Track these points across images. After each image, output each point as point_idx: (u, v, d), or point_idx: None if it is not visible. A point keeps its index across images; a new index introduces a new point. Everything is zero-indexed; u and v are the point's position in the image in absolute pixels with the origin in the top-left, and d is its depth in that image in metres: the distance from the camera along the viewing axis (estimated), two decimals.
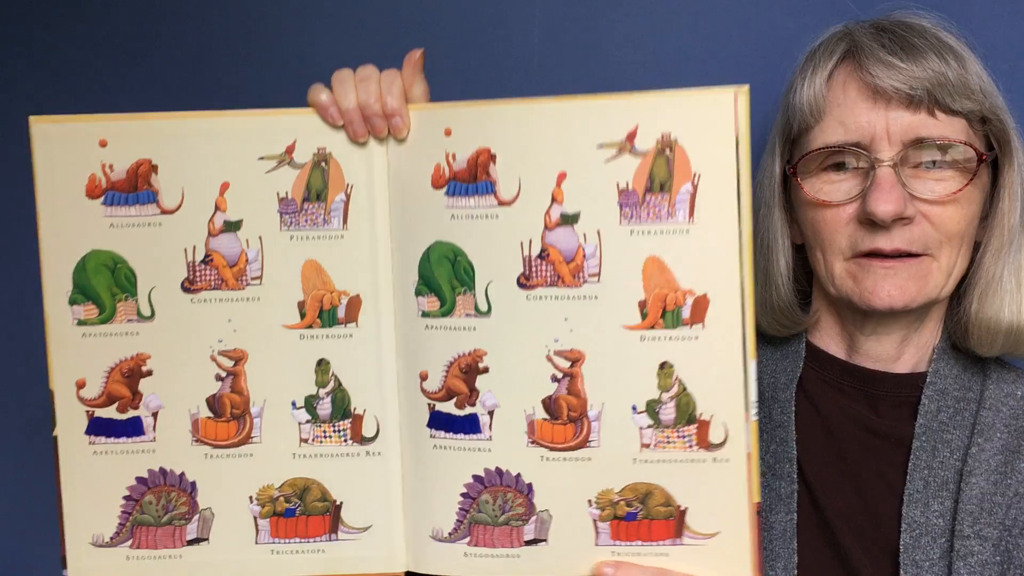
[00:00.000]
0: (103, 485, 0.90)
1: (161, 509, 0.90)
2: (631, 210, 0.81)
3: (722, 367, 0.81)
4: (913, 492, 0.79)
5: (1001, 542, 0.76)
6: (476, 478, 0.86)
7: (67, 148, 0.87)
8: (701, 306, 0.81)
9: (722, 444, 0.81)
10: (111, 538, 0.90)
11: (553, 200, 0.82)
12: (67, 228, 0.88)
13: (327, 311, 0.87)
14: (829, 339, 0.92)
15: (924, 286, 0.79)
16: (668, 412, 0.82)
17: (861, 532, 0.83)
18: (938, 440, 0.80)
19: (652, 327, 0.81)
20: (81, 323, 0.89)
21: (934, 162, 0.77)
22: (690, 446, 0.82)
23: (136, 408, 0.90)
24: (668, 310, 0.81)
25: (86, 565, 0.90)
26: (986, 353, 0.82)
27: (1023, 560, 0.75)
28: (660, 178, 0.80)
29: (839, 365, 0.90)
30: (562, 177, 0.82)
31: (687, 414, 0.82)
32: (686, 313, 0.81)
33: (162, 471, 0.90)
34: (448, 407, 0.86)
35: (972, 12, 0.98)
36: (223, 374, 0.89)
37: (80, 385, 0.89)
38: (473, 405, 0.85)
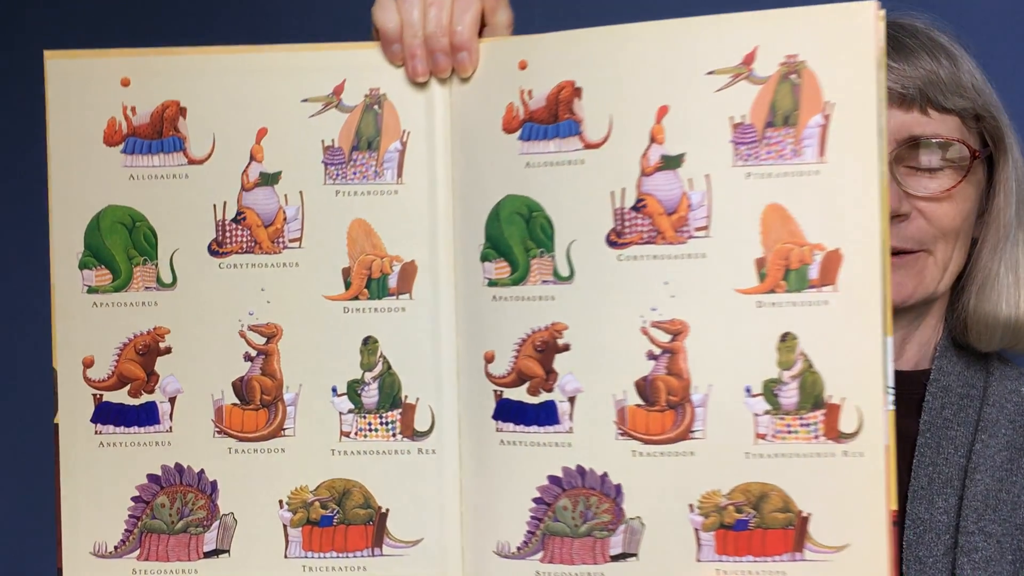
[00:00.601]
0: (109, 483, 0.77)
1: (175, 514, 0.76)
2: (748, 149, 0.68)
3: (857, 339, 0.67)
4: (918, 489, 0.78)
5: (1009, 540, 0.74)
6: (552, 479, 0.71)
7: (84, 87, 0.76)
8: (832, 264, 0.67)
9: (855, 434, 0.67)
10: (115, 547, 0.77)
11: (652, 140, 0.69)
12: (81, 179, 0.77)
13: (376, 280, 0.74)
14: None
15: (921, 282, 0.79)
16: (790, 395, 0.67)
17: None
18: (942, 437, 0.79)
19: (772, 290, 0.67)
20: (92, 290, 0.76)
21: (928, 160, 0.78)
22: (816, 436, 0.67)
23: (151, 392, 0.77)
24: (792, 269, 0.67)
25: None
26: (985, 348, 0.82)
27: None
28: (784, 109, 0.67)
29: None
30: (662, 112, 0.69)
31: (813, 397, 0.67)
32: (814, 273, 0.67)
33: (178, 468, 0.76)
34: (519, 394, 0.72)
35: (969, 12, 0.98)
36: (253, 353, 0.76)
37: (87, 364, 0.77)
38: (550, 391, 0.71)
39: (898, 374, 0.82)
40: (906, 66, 0.78)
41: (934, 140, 0.78)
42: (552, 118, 0.71)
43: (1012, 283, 0.81)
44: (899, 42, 0.79)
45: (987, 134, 0.81)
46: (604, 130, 0.70)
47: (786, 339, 0.69)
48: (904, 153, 0.79)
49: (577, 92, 0.71)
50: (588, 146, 0.71)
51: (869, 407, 0.68)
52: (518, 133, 0.72)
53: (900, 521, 0.80)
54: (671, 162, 0.69)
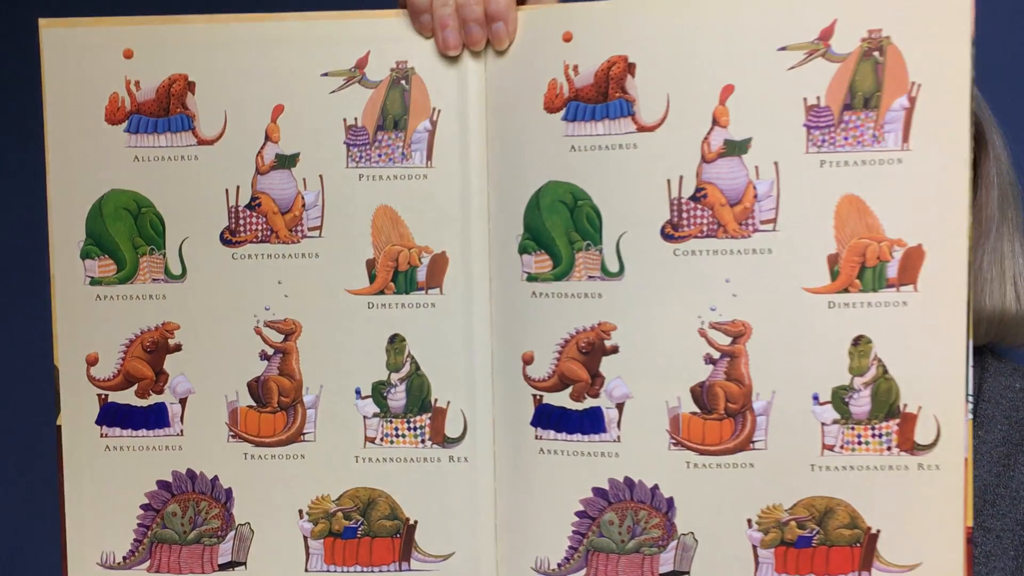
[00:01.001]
0: (116, 490, 0.72)
1: (188, 523, 0.71)
2: (822, 133, 0.61)
3: (938, 343, 0.61)
4: None
5: (1010, 535, 0.74)
6: (598, 492, 0.66)
7: (84, 59, 0.70)
8: (914, 261, 0.60)
9: (931, 446, 0.61)
10: (124, 558, 0.71)
11: (714, 123, 0.62)
12: (81, 161, 0.70)
13: (403, 273, 0.67)
14: None
15: None
16: (862, 403, 0.61)
17: None
18: None
19: (845, 289, 0.61)
20: (95, 282, 0.70)
21: None
22: (888, 448, 0.61)
23: (160, 393, 0.71)
24: (868, 267, 0.61)
25: None
26: (974, 342, 0.80)
27: None
28: (865, 90, 0.60)
29: None
30: (727, 92, 0.62)
31: (887, 406, 0.61)
32: (893, 271, 0.61)
33: (190, 474, 0.70)
34: (561, 399, 0.66)
35: None
36: (270, 351, 0.69)
37: (91, 361, 0.71)
38: (596, 396, 0.65)
39: None
40: None
41: None
42: (601, 97, 0.64)
43: (996, 276, 0.80)
44: None
45: None
46: (660, 111, 0.63)
47: (859, 343, 0.62)
48: None
49: (630, 68, 0.64)
50: (642, 129, 0.64)
51: (948, 417, 0.62)
52: (562, 113, 0.65)
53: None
54: (736, 147, 0.62)
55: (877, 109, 0.61)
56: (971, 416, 0.62)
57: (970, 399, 0.62)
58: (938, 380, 0.62)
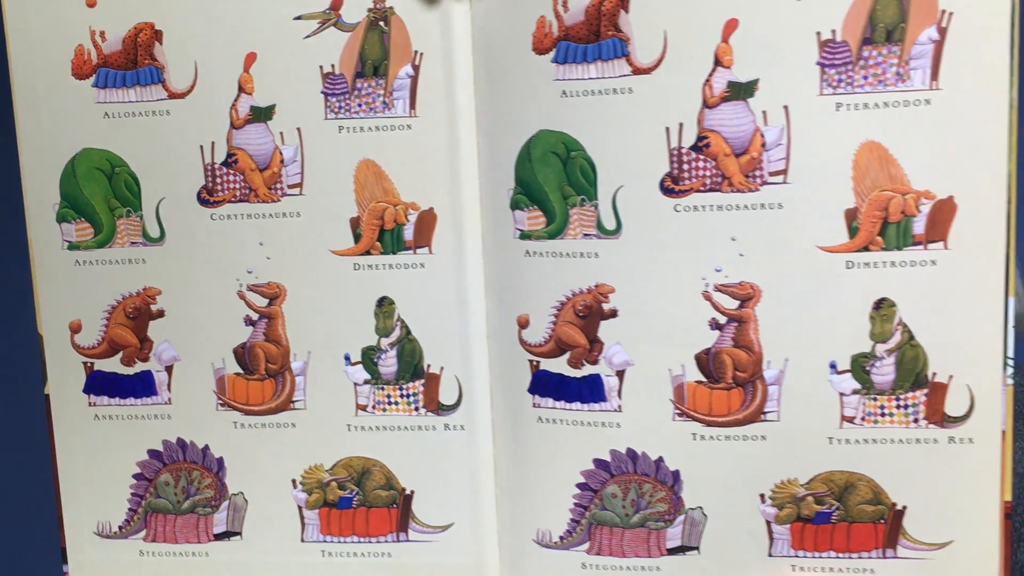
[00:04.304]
0: (108, 459, 0.70)
1: (181, 492, 0.68)
2: (839, 72, 0.54)
3: (971, 306, 0.54)
4: None
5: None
6: (599, 463, 0.61)
7: (47, 10, 0.66)
8: (944, 216, 0.54)
9: (964, 418, 0.55)
10: (120, 527, 0.70)
11: (717, 63, 0.56)
12: (51, 119, 0.67)
13: (390, 231, 0.63)
14: None
15: None
16: (885, 372, 0.56)
17: None
18: None
19: (866, 247, 0.55)
20: (73, 246, 0.67)
21: None
22: (915, 420, 0.56)
23: (145, 360, 0.68)
24: (892, 222, 0.54)
25: (91, 559, 0.71)
26: None
27: None
28: (887, 21, 0.53)
29: None
30: (730, 27, 0.55)
31: (913, 375, 0.56)
32: (919, 227, 0.54)
33: (180, 443, 0.68)
34: (559, 365, 0.61)
35: None
36: (255, 316, 0.66)
37: (75, 329, 0.68)
38: (595, 363, 0.60)
39: None
40: None
41: None
42: (593, 36, 0.58)
43: None
44: None
45: None
46: (657, 51, 0.57)
47: (882, 306, 0.56)
48: None
49: (623, 3, 0.57)
50: (637, 71, 0.57)
51: (983, 386, 0.56)
52: (551, 54, 0.59)
53: None
54: (741, 90, 0.56)
55: (901, 43, 0.53)
56: (1011, 383, 0.56)
57: (1010, 364, 0.56)
58: (972, 347, 0.56)
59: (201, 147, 0.65)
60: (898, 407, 0.58)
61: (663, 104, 0.57)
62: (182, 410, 0.68)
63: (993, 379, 0.56)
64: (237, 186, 0.65)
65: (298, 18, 0.63)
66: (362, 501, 0.67)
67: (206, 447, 0.69)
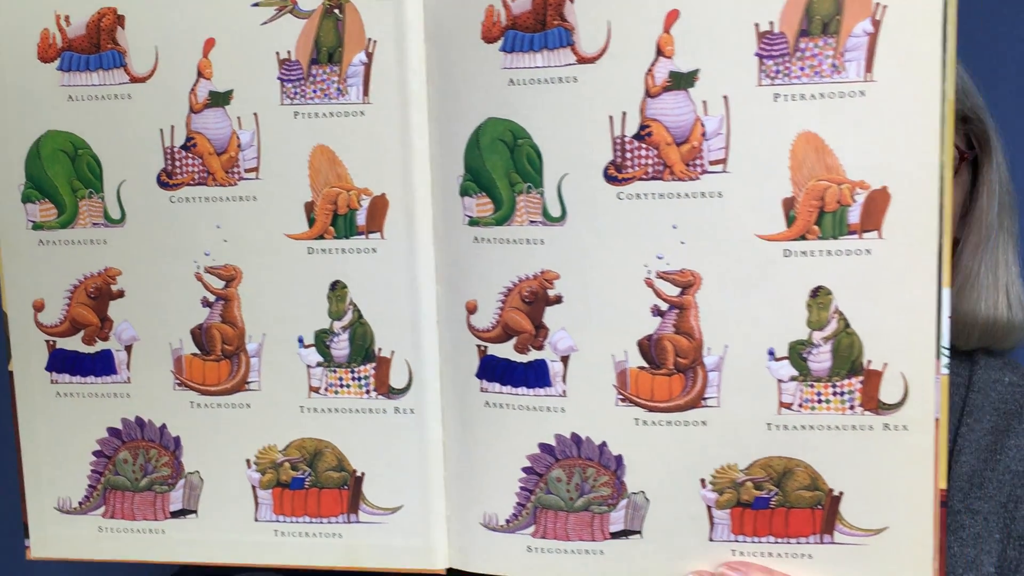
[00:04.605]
0: (69, 436, 0.71)
1: (139, 470, 0.70)
2: (776, 63, 0.55)
3: (905, 295, 0.55)
4: None
5: (996, 518, 0.75)
6: (544, 448, 0.62)
7: None
8: (878, 205, 0.55)
9: (898, 405, 0.56)
10: (80, 503, 0.71)
11: (659, 53, 0.56)
12: (17, 101, 0.69)
13: (343, 216, 0.64)
14: None
15: None
16: (821, 359, 0.57)
17: None
18: None
19: (802, 236, 0.56)
20: (37, 227, 0.68)
21: None
22: (851, 407, 0.57)
23: (105, 339, 0.69)
24: (828, 211, 0.55)
25: (52, 534, 0.72)
26: (963, 346, 0.83)
27: (1020, 532, 0.74)
28: (823, 14, 0.54)
29: None
30: (672, 17, 0.56)
31: (849, 362, 0.56)
32: (854, 216, 0.55)
33: (139, 422, 0.69)
34: (505, 351, 0.62)
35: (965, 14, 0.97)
36: (211, 298, 0.67)
37: (38, 307, 0.69)
38: (540, 348, 0.61)
39: None
40: None
41: None
42: (539, 25, 0.59)
43: (991, 284, 0.81)
44: None
45: (973, 136, 0.81)
46: (601, 40, 0.58)
47: (818, 294, 0.57)
48: None
49: None
50: (582, 60, 0.58)
51: (917, 374, 0.57)
52: (499, 43, 0.60)
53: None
54: (682, 80, 0.57)
55: (837, 35, 0.54)
56: (947, 371, 0.57)
57: (945, 354, 0.56)
58: (905, 335, 0.56)
59: (161, 131, 0.67)
60: (834, 394, 0.58)
61: (607, 93, 0.58)
62: (141, 389, 0.70)
63: (926, 367, 0.56)
64: (196, 169, 0.66)
65: (256, 4, 0.64)
66: (314, 482, 0.68)
67: (164, 426, 0.70)
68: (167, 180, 0.67)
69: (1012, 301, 0.82)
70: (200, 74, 0.65)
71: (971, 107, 0.79)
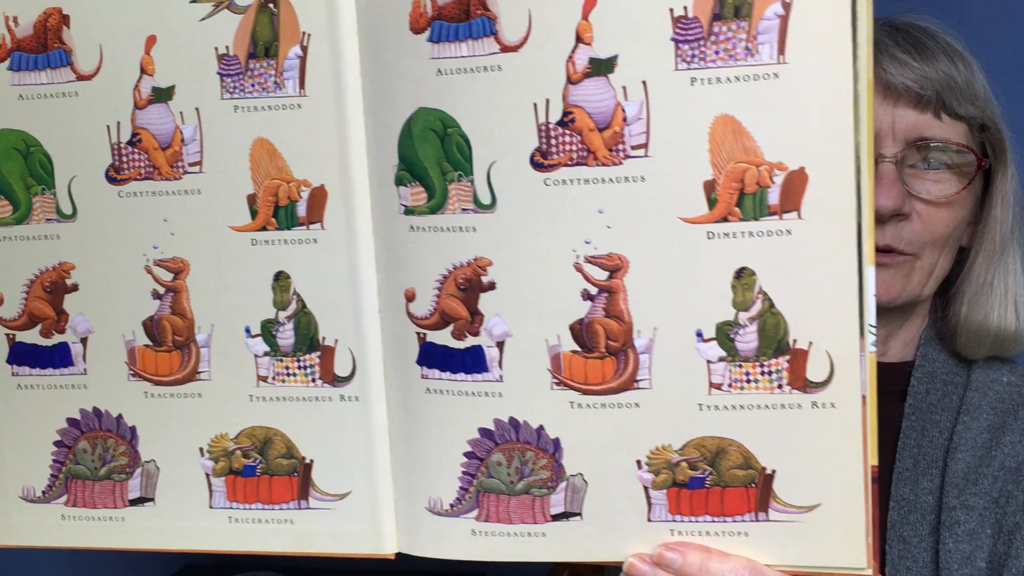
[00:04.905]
0: (30, 427, 0.73)
1: (98, 459, 0.71)
2: (692, 48, 0.55)
3: (827, 274, 0.56)
4: (902, 470, 0.79)
5: (990, 513, 0.76)
6: (484, 432, 0.63)
7: None
8: (796, 186, 0.55)
9: (825, 383, 0.57)
10: (43, 492, 0.73)
11: (578, 39, 0.57)
12: None
13: (284, 208, 0.65)
14: None
15: (908, 284, 0.79)
16: (748, 339, 0.57)
17: None
18: (927, 421, 0.80)
19: (724, 218, 0.56)
20: None
21: (935, 163, 0.78)
22: (779, 386, 0.57)
23: (62, 332, 0.71)
24: (748, 193, 0.56)
25: (17, 522, 0.74)
26: (973, 355, 0.83)
27: (1009, 527, 0.75)
28: None
29: None
30: (590, 4, 0.56)
31: (775, 341, 0.57)
32: (774, 197, 0.56)
33: (96, 412, 0.71)
34: (443, 337, 0.63)
35: (970, 18, 1.07)
36: (161, 290, 0.68)
37: None
38: (476, 334, 0.62)
39: (882, 366, 0.81)
40: (926, 66, 0.76)
41: (944, 144, 0.77)
42: (463, 15, 0.60)
43: (1003, 294, 0.82)
44: (919, 42, 0.78)
45: (989, 144, 0.81)
46: (523, 29, 0.58)
47: (742, 275, 0.58)
48: (911, 154, 0.77)
49: None
50: (505, 48, 0.59)
51: (842, 352, 0.57)
52: (427, 33, 0.61)
53: (883, 495, 0.78)
54: (601, 66, 0.57)
55: (749, 18, 0.54)
56: (873, 349, 0.57)
57: (871, 330, 0.57)
58: (828, 314, 0.57)
59: (108, 127, 0.68)
60: (762, 373, 0.59)
61: (530, 81, 0.59)
62: (96, 380, 0.71)
63: (850, 345, 0.57)
64: (142, 164, 0.68)
65: (194, 1, 0.65)
66: (265, 469, 0.69)
67: (120, 416, 0.71)
68: (115, 175, 0.68)
69: (1020, 311, 0.82)
70: (143, 71, 0.67)
71: (990, 115, 0.80)
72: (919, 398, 0.82)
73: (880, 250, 0.78)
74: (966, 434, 0.79)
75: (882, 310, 0.81)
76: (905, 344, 0.86)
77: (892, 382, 0.83)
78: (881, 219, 0.77)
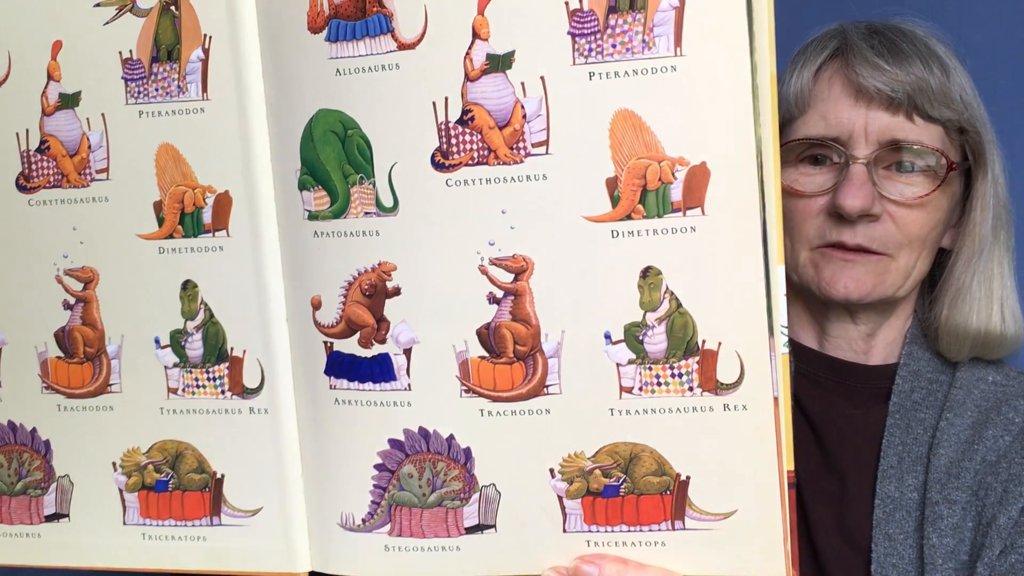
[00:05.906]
0: None
1: (13, 474, 0.70)
2: (588, 41, 0.54)
3: (733, 272, 0.53)
4: (887, 468, 0.79)
5: (971, 507, 0.77)
6: (393, 443, 0.61)
7: None
8: (699, 181, 0.53)
9: (736, 384, 0.55)
10: None
11: (475, 35, 0.55)
12: None
13: (190, 215, 0.63)
14: (799, 328, 0.88)
15: (880, 283, 0.80)
16: (657, 340, 0.55)
17: (842, 516, 0.80)
18: (912, 419, 0.81)
19: (628, 216, 0.54)
20: None
21: (907, 165, 0.79)
22: (690, 388, 0.55)
23: None
24: (651, 190, 0.54)
25: None
26: (955, 357, 0.84)
27: (987, 519, 0.75)
28: None
29: (813, 355, 0.86)
30: (484, 2, 0.55)
31: (684, 342, 0.55)
32: (677, 193, 0.54)
33: (11, 426, 0.69)
34: (350, 345, 0.61)
35: (966, 21, 1.10)
36: (72, 300, 0.66)
37: None
38: (383, 342, 0.60)
39: (867, 368, 0.85)
40: (898, 70, 0.78)
41: (915, 147, 0.78)
42: (359, 13, 0.58)
43: (984, 296, 0.83)
44: (895, 46, 0.79)
45: (969, 148, 0.82)
46: (419, 25, 0.57)
47: (648, 275, 0.56)
48: (884, 155, 0.78)
49: None
50: (403, 46, 0.57)
51: (751, 352, 0.55)
52: (324, 33, 0.59)
53: (869, 493, 0.79)
54: (499, 62, 0.56)
55: (644, 10, 0.53)
56: (786, 349, 0.55)
57: (782, 330, 0.55)
58: (736, 313, 0.55)
59: (17, 134, 0.67)
60: (673, 376, 0.57)
61: (429, 79, 0.57)
62: (11, 393, 0.70)
63: (760, 345, 0.55)
64: (51, 172, 0.66)
65: (97, 5, 0.64)
66: (177, 484, 0.67)
67: (34, 429, 0.69)
68: (25, 184, 0.67)
69: (1006, 314, 0.83)
70: (50, 76, 0.65)
71: (969, 118, 0.80)
72: (903, 396, 0.82)
73: (852, 250, 0.79)
74: (949, 430, 0.79)
75: (859, 308, 0.83)
76: (887, 345, 0.86)
77: (877, 384, 0.84)
78: (850, 219, 0.77)
